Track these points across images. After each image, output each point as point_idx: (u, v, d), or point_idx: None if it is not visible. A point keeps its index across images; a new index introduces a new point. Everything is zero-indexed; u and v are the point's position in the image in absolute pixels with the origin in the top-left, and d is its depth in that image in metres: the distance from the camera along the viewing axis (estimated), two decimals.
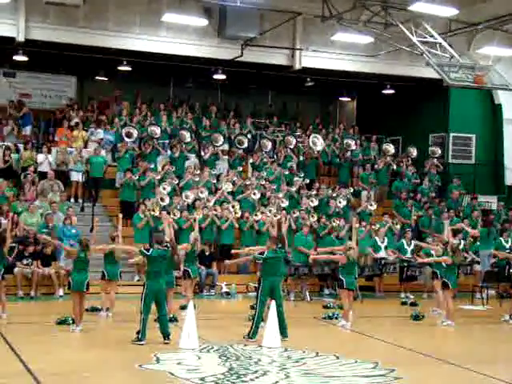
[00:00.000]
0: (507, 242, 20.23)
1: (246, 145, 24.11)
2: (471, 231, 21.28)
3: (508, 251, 19.24)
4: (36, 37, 21.64)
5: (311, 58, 24.57)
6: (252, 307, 14.16)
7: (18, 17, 21.19)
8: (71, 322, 13.68)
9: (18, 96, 25.48)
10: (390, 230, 20.91)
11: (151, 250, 12.55)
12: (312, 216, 20.76)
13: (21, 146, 21.70)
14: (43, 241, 17.26)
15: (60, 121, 23.87)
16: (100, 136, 23.01)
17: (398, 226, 21.40)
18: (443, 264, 15.57)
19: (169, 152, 23.04)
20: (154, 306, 12.44)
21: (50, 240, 16.66)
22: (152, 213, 19.21)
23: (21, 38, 21.36)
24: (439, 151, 25.97)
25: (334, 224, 20.29)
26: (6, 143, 21.72)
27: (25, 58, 23.07)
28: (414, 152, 25.75)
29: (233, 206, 20.52)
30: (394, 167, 25.30)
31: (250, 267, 19.98)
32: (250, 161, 23.89)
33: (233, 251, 16.47)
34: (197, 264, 16.54)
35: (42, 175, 20.98)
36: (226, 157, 23.97)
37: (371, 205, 22.38)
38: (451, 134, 27.00)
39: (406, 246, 20.22)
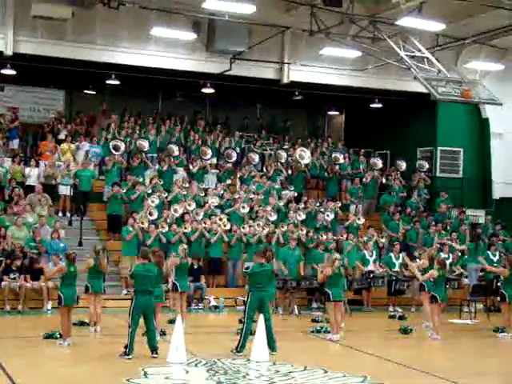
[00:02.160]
0: (495, 255, 20.32)
1: (234, 158, 24.14)
2: (457, 247, 21.41)
3: (495, 265, 19.32)
4: (24, 50, 21.58)
5: (299, 72, 24.65)
6: (240, 321, 14.12)
7: (6, 31, 21.14)
8: (59, 336, 13.61)
9: (6, 110, 25.37)
10: (375, 243, 20.94)
11: (133, 267, 12.52)
12: (300, 229, 20.78)
13: (7, 160, 21.64)
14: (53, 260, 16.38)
15: (48, 134, 23.79)
16: (87, 149, 22.97)
17: (384, 240, 21.44)
18: (431, 278, 15.59)
19: (157, 166, 23.02)
20: (142, 320, 12.40)
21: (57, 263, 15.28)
22: (141, 225, 19.18)
23: (9, 52, 21.30)
24: (427, 165, 26.06)
25: (322, 238, 20.29)
26: None
27: (13, 72, 23.02)
28: (402, 165, 25.83)
29: (220, 219, 20.51)
30: (384, 181, 25.38)
31: (239, 281, 19.96)
32: (239, 175, 23.89)
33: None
34: (187, 278, 16.50)
35: (30, 189, 20.91)
36: (215, 170, 23.97)
37: (359, 219, 22.42)
38: (439, 148, 27.11)
39: (394, 260, 20.25)
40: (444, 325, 16.44)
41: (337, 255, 15.17)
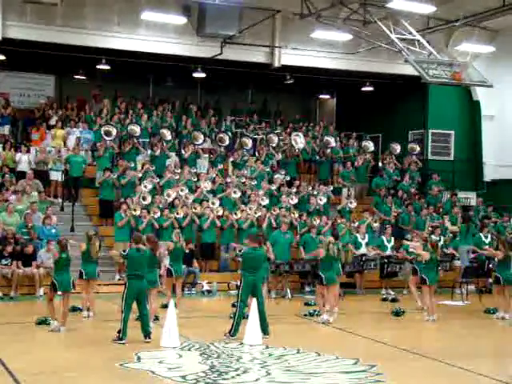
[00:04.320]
0: (486, 237, 20.40)
1: (227, 143, 24.10)
2: (450, 227, 21.49)
3: (487, 247, 19.40)
4: (13, 35, 21.46)
5: (290, 56, 24.58)
6: (233, 305, 14.16)
7: None
8: (51, 322, 13.63)
9: None
10: (368, 226, 20.99)
11: (127, 250, 12.52)
12: (293, 213, 20.80)
13: None
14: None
15: (39, 120, 23.71)
16: (78, 135, 22.91)
17: (377, 224, 21.49)
18: (422, 260, 15.64)
19: (149, 151, 22.97)
20: (135, 305, 12.42)
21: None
22: (133, 212, 19.16)
23: None
24: (418, 148, 26.09)
25: (315, 222, 20.31)
26: None
27: (2, 57, 22.93)
28: (397, 149, 25.82)
29: (213, 203, 20.51)
30: (379, 164, 25.41)
31: (231, 265, 19.99)
32: (231, 159, 23.87)
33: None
34: (182, 263, 16.47)
35: (21, 175, 20.85)
36: (207, 155, 23.94)
37: (351, 202, 22.45)
38: (430, 131, 27.15)
39: (385, 243, 20.30)
40: (436, 307, 16.50)
41: (331, 238, 15.19)
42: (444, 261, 20.16)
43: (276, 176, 23.22)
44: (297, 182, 23.25)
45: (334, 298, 15.21)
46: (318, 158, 25.40)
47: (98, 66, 24.66)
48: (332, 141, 25.46)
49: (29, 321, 13.89)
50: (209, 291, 18.79)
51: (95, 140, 22.96)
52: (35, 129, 23.02)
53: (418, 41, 21.29)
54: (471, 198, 26.13)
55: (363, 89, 27.57)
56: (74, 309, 15.18)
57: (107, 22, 22.45)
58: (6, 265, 17.47)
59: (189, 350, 11.83)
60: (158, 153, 22.49)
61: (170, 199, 20.33)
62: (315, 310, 15.57)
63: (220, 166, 23.24)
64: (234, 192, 21.33)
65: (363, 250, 20.03)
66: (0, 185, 20.35)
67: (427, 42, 21.49)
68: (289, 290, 18.64)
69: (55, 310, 13.33)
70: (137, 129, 22.87)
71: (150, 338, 12.27)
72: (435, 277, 15.76)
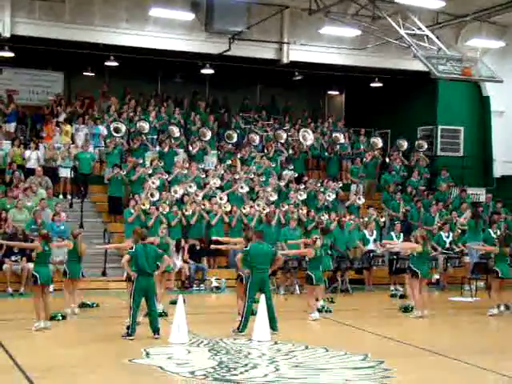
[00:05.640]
0: (496, 233, 20.32)
1: (235, 139, 24.10)
2: (461, 219, 21.43)
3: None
4: (22, 32, 21.49)
5: (299, 52, 24.53)
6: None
7: (4, 12, 21.04)
8: (61, 317, 13.69)
9: (4, 92, 25.30)
10: (376, 222, 20.93)
11: (134, 246, 12.53)
12: (301, 209, 20.78)
13: (6, 143, 21.60)
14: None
15: (47, 117, 23.74)
16: (86, 131, 22.95)
17: (383, 219, 21.43)
18: (414, 253, 15.49)
19: (157, 147, 23.00)
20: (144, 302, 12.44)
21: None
22: (142, 207, 19.19)
23: (6, 34, 21.21)
24: (425, 145, 25.99)
25: (323, 218, 20.28)
26: None
27: (11, 54, 22.94)
28: (404, 145, 25.76)
29: (220, 198, 20.51)
30: (387, 160, 25.36)
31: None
32: (239, 155, 23.86)
33: (213, 238, 16.49)
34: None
35: (30, 172, 20.90)
36: (215, 151, 23.94)
37: (359, 198, 22.42)
38: (439, 127, 27.04)
39: (395, 239, 20.20)
40: (445, 303, 16.51)
41: (316, 235, 15.17)
42: (453, 257, 20.16)
43: (284, 172, 23.21)
44: (305, 178, 23.23)
45: (320, 293, 15.35)
46: (326, 154, 25.37)
47: (106, 63, 24.68)
48: (341, 137, 25.41)
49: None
50: (217, 287, 18.80)
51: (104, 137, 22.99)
52: (44, 126, 23.04)
53: (428, 36, 21.19)
54: (480, 194, 26.01)
55: (372, 85, 27.47)
56: (84, 304, 15.26)
57: (115, 19, 22.46)
58: (15, 261, 17.53)
59: (197, 345, 11.84)
60: (166, 149, 22.50)
61: (177, 196, 20.36)
62: (323, 306, 15.58)
63: (228, 162, 23.26)
64: (241, 187, 21.32)
65: (371, 246, 19.99)
66: (9, 182, 20.42)
67: (436, 37, 21.38)
68: (297, 286, 18.63)
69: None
70: (145, 125, 22.91)
71: (158, 334, 12.28)
72: (427, 270, 15.69)
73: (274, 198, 21.31)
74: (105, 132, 23.14)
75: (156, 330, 12.34)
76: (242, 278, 13.65)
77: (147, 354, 11.16)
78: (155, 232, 16.52)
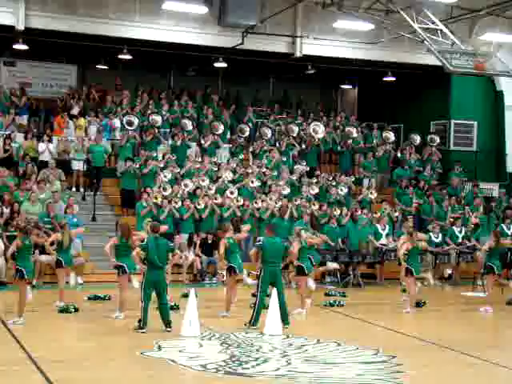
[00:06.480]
0: (509, 228, 20.27)
1: (247, 133, 24.10)
2: (472, 219, 21.31)
3: (510, 238, 19.25)
4: (36, 25, 21.53)
5: (312, 46, 24.46)
6: (253, 295, 14.17)
7: (18, 5, 21.08)
8: (73, 310, 13.75)
9: (18, 85, 25.37)
10: (388, 217, 20.88)
11: (145, 239, 12.55)
12: (313, 204, 20.75)
13: (18, 135, 21.68)
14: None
15: (61, 110, 23.81)
16: (99, 124, 22.99)
17: (396, 214, 21.38)
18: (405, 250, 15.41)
19: (170, 141, 23.02)
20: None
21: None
22: (154, 200, 19.23)
23: (20, 27, 21.27)
24: (437, 139, 25.88)
25: (335, 212, 20.25)
26: (5, 132, 21.69)
27: (25, 47, 23.00)
28: (417, 139, 25.67)
29: (231, 193, 20.51)
30: (398, 154, 25.31)
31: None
32: (251, 149, 23.86)
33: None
34: None
35: (44, 164, 20.98)
36: (227, 145, 23.95)
37: (371, 193, 22.36)
38: (452, 121, 26.92)
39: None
40: (457, 297, 16.43)
41: (299, 227, 15.13)
42: (465, 252, 20.10)
43: (296, 166, 23.18)
44: (317, 173, 23.20)
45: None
46: (339, 148, 25.32)
47: (119, 56, 24.70)
48: (354, 131, 25.35)
49: (51, 309, 14.01)
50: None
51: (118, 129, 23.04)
52: (57, 118, 23.10)
53: (441, 30, 21.08)
54: (493, 188, 25.92)
55: (385, 79, 27.36)
56: (96, 297, 15.33)
57: (129, 12, 22.47)
58: None
59: (209, 339, 11.87)
60: (178, 143, 22.52)
61: (188, 189, 20.38)
62: (335, 301, 15.57)
63: (240, 156, 23.26)
64: (252, 181, 21.31)
65: (383, 240, 19.95)
66: (22, 174, 20.50)
67: (450, 31, 21.26)
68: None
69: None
70: (158, 119, 22.93)
71: (170, 327, 12.32)
72: (419, 266, 15.64)
73: (287, 191, 21.30)
74: (117, 125, 23.18)
75: (168, 323, 12.37)
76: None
77: (159, 347, 11.20)
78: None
